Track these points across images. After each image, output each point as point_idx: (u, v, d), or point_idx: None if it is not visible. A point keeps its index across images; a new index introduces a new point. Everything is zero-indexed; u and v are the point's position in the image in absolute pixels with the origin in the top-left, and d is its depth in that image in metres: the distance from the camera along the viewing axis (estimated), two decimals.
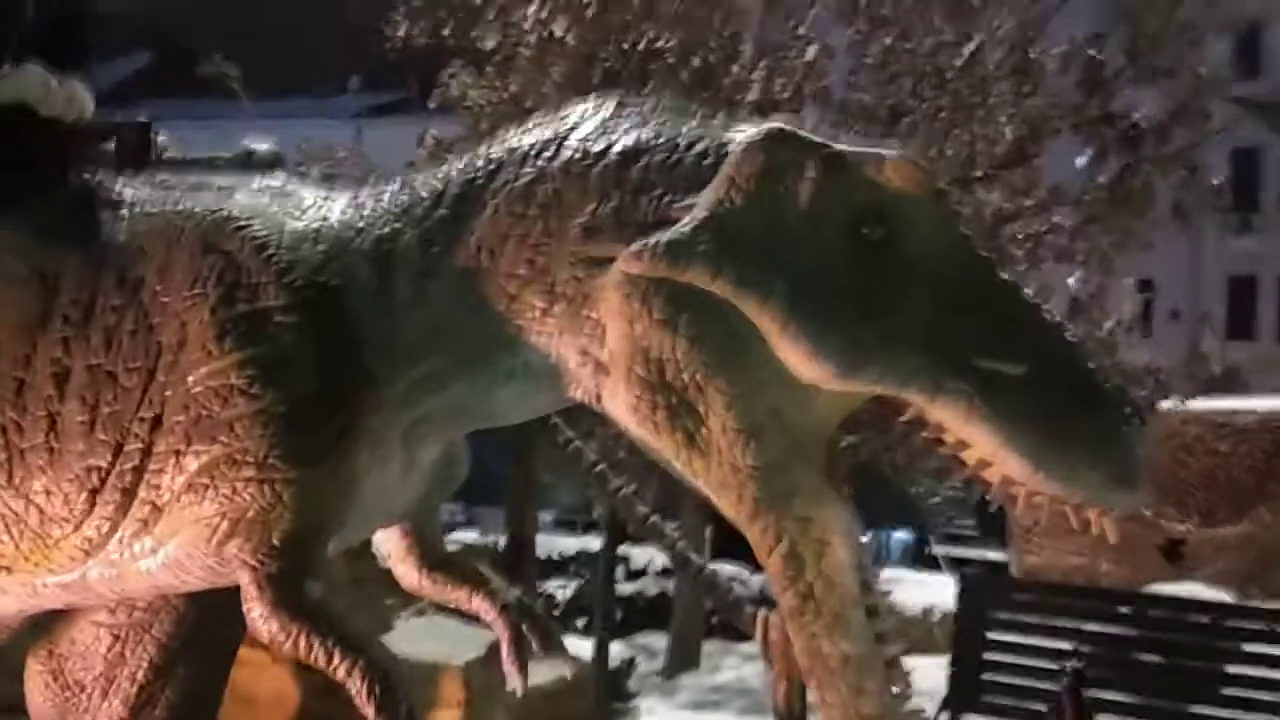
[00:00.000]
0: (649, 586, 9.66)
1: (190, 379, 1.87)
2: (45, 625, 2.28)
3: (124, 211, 2.05)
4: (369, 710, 1.78)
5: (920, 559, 11.62)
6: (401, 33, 6.69)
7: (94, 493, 1.90)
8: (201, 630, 2.34)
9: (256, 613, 1.83)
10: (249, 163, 3.51)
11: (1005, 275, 1.72)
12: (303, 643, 1.81)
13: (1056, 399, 1.58)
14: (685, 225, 1.72)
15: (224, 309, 1.88)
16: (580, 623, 8.28)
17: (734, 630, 8.68)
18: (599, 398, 1.83)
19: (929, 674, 7.11)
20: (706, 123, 1.88)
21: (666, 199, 1.77)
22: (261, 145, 3.94)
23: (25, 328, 1.95)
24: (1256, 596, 7.39)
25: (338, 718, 2.94)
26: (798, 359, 1.64)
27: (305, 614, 1.82)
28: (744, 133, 1.80)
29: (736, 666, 7.99)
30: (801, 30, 5.81)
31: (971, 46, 6.05)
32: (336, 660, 1.80)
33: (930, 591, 8.58)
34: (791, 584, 1.66)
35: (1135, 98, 6.66)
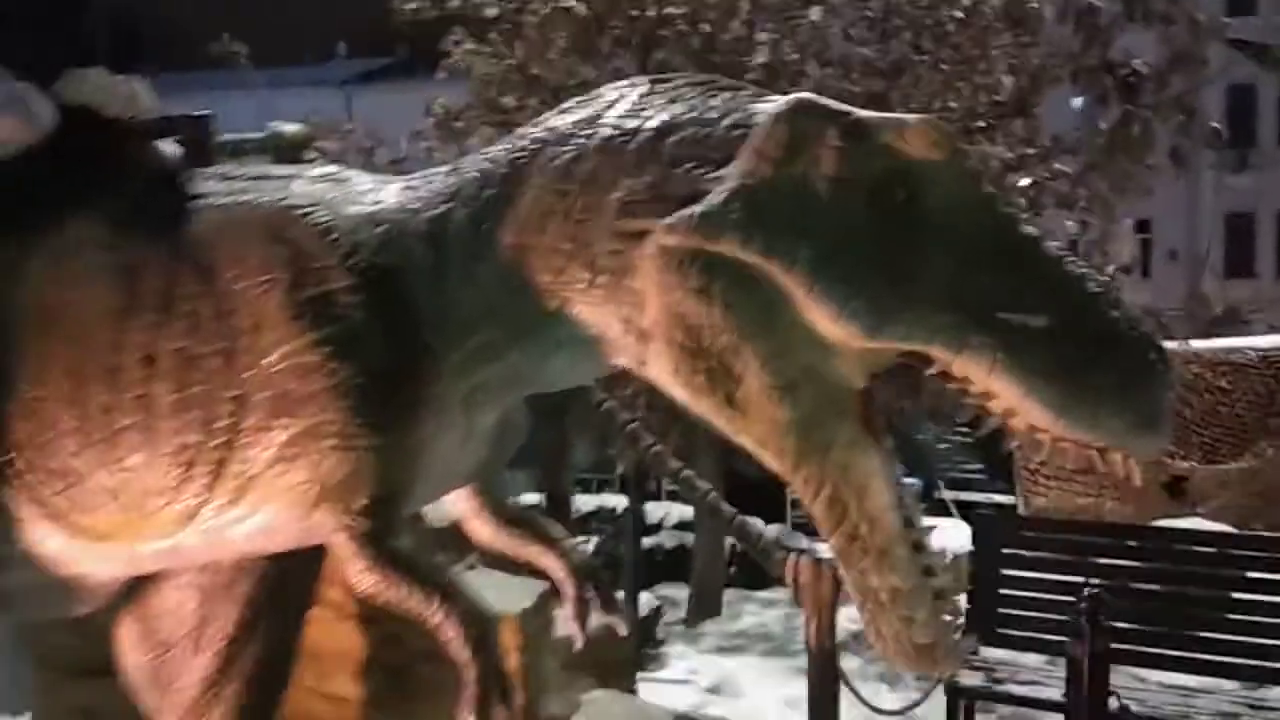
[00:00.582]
0: (665, 540, 9.88)
1: (269, 358, 2.01)
2: (134, 589, 2.45)
3: (194, 204, 2.19)
4: (463, 655, 1.95)
5: (929, 504, 11.82)
6: (411, 4, 6.73)
7: (188, 466, 2.05)
8: (281, 588, 2.52)
9: (354, 568, 1.99)
10: (279, 144, 3.64)
11: (1027, 230, 1.80)
12: (399, 593, 1.98)
13: (1079, 349, 1.66)
14: (717, 196, 1.83)
15: (295, 292, 2.03)
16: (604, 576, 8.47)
17: (752, 579, 8.91)
18: (643, 364, 1.96)
19: None
20: (736, 96, 1.98)
21: (699, 172, 1.87)
22: (289, 127, 4.05)
23: (114, 315, 2.09)
24: (1258, 530, 7.58)
25: (403, 670, 3.13)
26: (825, 320, 1.74)
27: (399, 567, 1.99)
28: (770, 105, 1.90)
29: (756, 613, 8.21)
30: None
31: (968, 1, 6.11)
32: (432, 608, 1.97)
33: (940, 536, 8.73)
34: (837, 526, 1.78)
35: (1133, 45, 6.71)
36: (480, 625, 1.97)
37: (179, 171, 2.28)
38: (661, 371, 1.90)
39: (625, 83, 2.10)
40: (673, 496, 9.93)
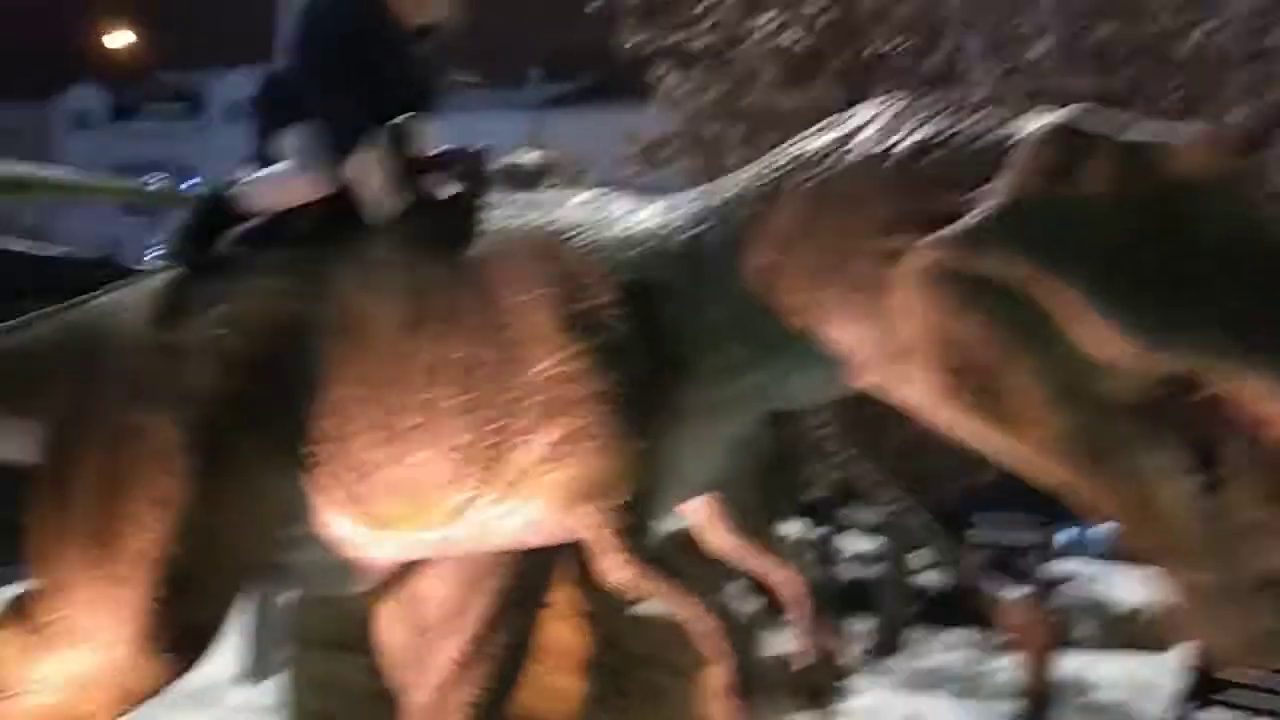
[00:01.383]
0: (842, 572, 9.76)
1: (540, 366, 2.20)
2: (398, 574, 2.69)
3: (473, 226, 2.42)
4: (713, 648, 2.07)
5: (1122, 553, 11.15)
6: (630, 41, 6.97)
7: (464, 465, 2.25)
8: (525, 585, 2.71)
9: (610, 562, 2.15)
10: (517, 173, 3.88)
11: None
12: (653, 587, 2.12)
13: None
14: (978, 216, 1.84)
15: (564, 307, 2.22)
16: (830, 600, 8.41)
17: (937, 616, 8.68)
18: (895, 383, 2.00)
19: (1142, 671, 6.94)
20: (989, 116, 1.99)
21: (957, 190, 1.90)
22: (528, 157, 4.32)
23: (405, 327, 2.33)
24: None
25: (623, 672, 3.28)
26: (1097, 342, 1.74)
27: (652, 563, 2.13)
28: (1031, 124, 1.90)
29: (942, 652, 8.00)
30: (1024, 28, 5.76)
31: (1201, 32, 5.83)
32: (684, 603, 2.10)
33: (1144, 588, 8.26)
34: (1137, 529, 1.75)
35: None
36: (730, 620, 2.08)
37: (461, 200, 2.52)
38: (917, 392, 1.93)
39: (877, 102, 2.14)
40: (842, 529, 9.76)
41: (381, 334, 2.33)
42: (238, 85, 34.51)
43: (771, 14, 6.03)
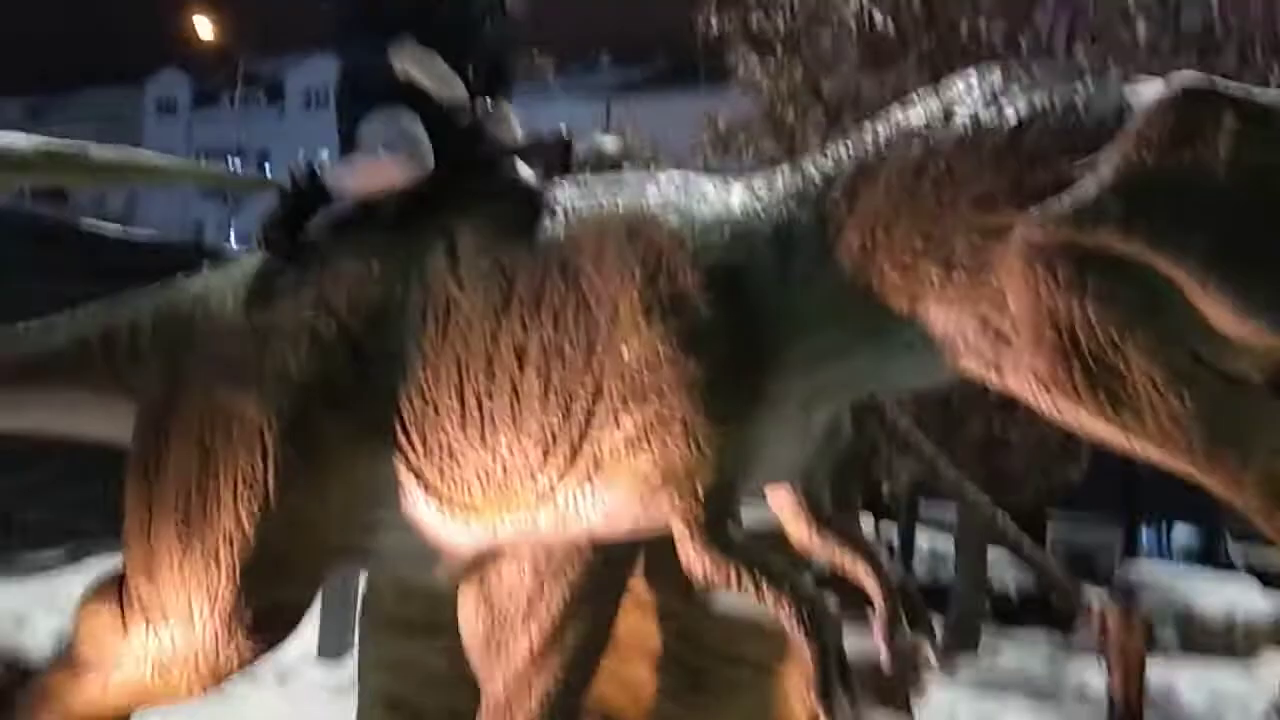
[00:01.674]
0: (918, 570, 9.60)
1: (624, 350, 2.16)
2: (479, 561, 2.69)
3: (558, 210, 2.38)
4: (799, 634, 2.01)
5: (1209, 557, 10.81)
6: (705, 25, 6.90)
7: (547, 449, 2.23)
8: (602, 577, 2.68)
9: (689, 551, 2.10)
10: (600, 159, 3.85)
11: None
12: (733, 576, 2.07)
13: None
14: (1089, 187, 1.75)
15: (649, 289, 2.16)
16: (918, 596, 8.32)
17: (1013, 616, 8.51)
18: (997, 368, 1.90)
19: (1225, 680, 6.71)
20: (1099, 83, 1.89)
21: (1065, 161, 1.80)
22: (609, 142, 4.29)
23: (493, 312, 2.31)
24: None
25: (700, 668, 3.24)
26: (1224, 315, 1.65)
27: (733, 552, 2.08)
28: (1151, 87, 1.80)
29: (1016, 653, 7.84)
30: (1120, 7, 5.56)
31: None
32: (766, 591, 2.04)
33: (1227, 595, 8.03)
34: (1270, 515, 1.65)
35: None
36: (814, 606, 2.02)
37: (546, 184, 2.50)
38: (1023, 376, 1.83)
39: (970, 74, 2.05)
40: (917, 526, 9.59)
41: (468, 319, 2.32)
42: (315, 71, 35.18)
43: None
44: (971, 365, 1.96)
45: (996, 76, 1.99)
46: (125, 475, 2.52)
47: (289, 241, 2.60)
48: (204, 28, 23.60)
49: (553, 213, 2.39)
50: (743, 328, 2.11)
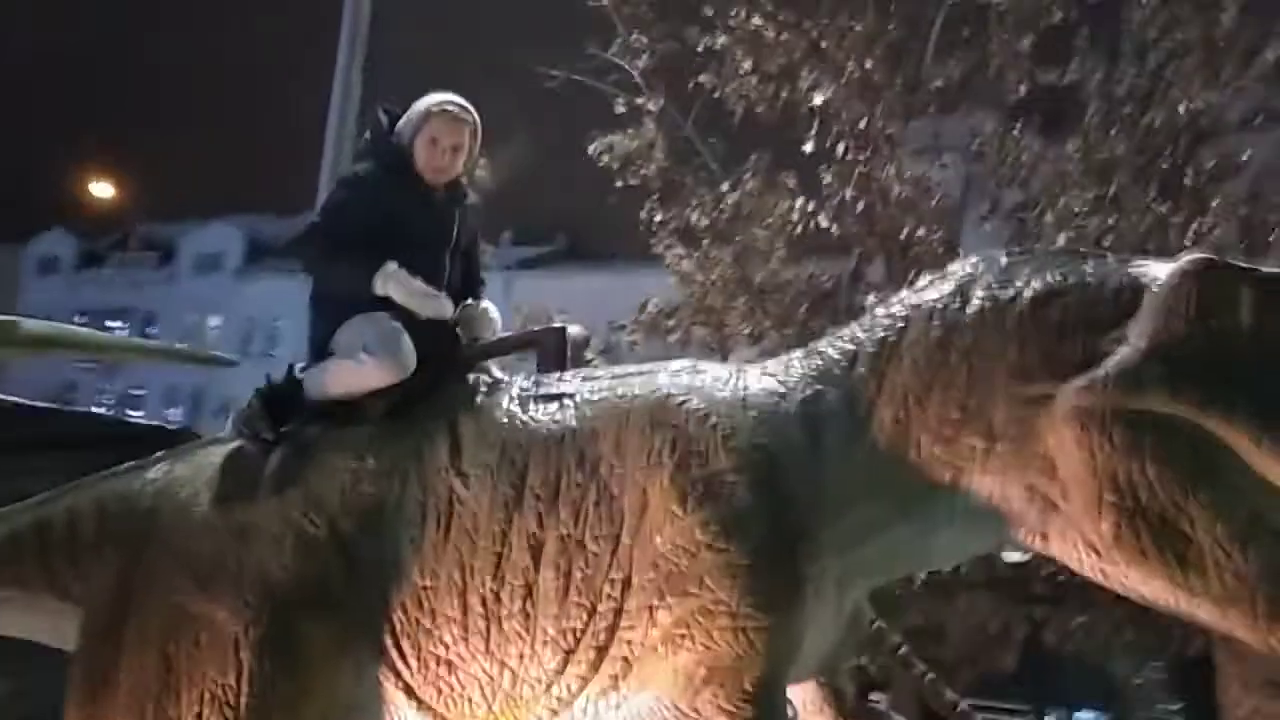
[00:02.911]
0: None
1: (656, 539, 2.07)
2: None
3: (568, 401, 2.30)
4: None
5: None
6: (657, 218, 7.06)
7: (568, 654, 2.09)
8: None
9: None
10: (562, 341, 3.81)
11: None
12: None
13: None
14: (1129, 355, 1.86)
15: (681, 474, 2.10)
16: None
17: None
18: (1043, 535, 1.94)
19: None
20: (1108, 263, 2.05)
21: (1092, 335, 1.92)
22: (573, 329, 4.29)
23: (501, 507, 2.20)
24: None
25: None
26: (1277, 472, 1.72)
27: None
28: (1157, 268, 1.96)
29: None
30: None
31: None
32: None
33: None
34: None
35: None
36: None
37: (549, 376, 2.45)
38: (1074, 540, 1.88)
39: (975, 258, 2.18)
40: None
41: (475, 516, 2.20)
42: (209, 237, 34.89)
43: (792, 200, 6.24)
44: (1018, 535, 2.00)
45: (1002, 259, 2.11)
46: (67, 687, 2.28)
47: (272, 433, 2.47)
48: (101, 189, 23.30)
49: (561, 404, 2.33)
50: (779, 510, 2.08)
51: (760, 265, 6.59)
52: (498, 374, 2.50)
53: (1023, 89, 6.67)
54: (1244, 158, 6.08)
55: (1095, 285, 1.98)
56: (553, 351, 2.59)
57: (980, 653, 6.38)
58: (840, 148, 6.09)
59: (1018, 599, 6.12)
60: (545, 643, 2.10)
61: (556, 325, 2.67)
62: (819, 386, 2.17)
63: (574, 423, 2.26)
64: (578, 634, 2.08)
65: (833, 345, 2.23)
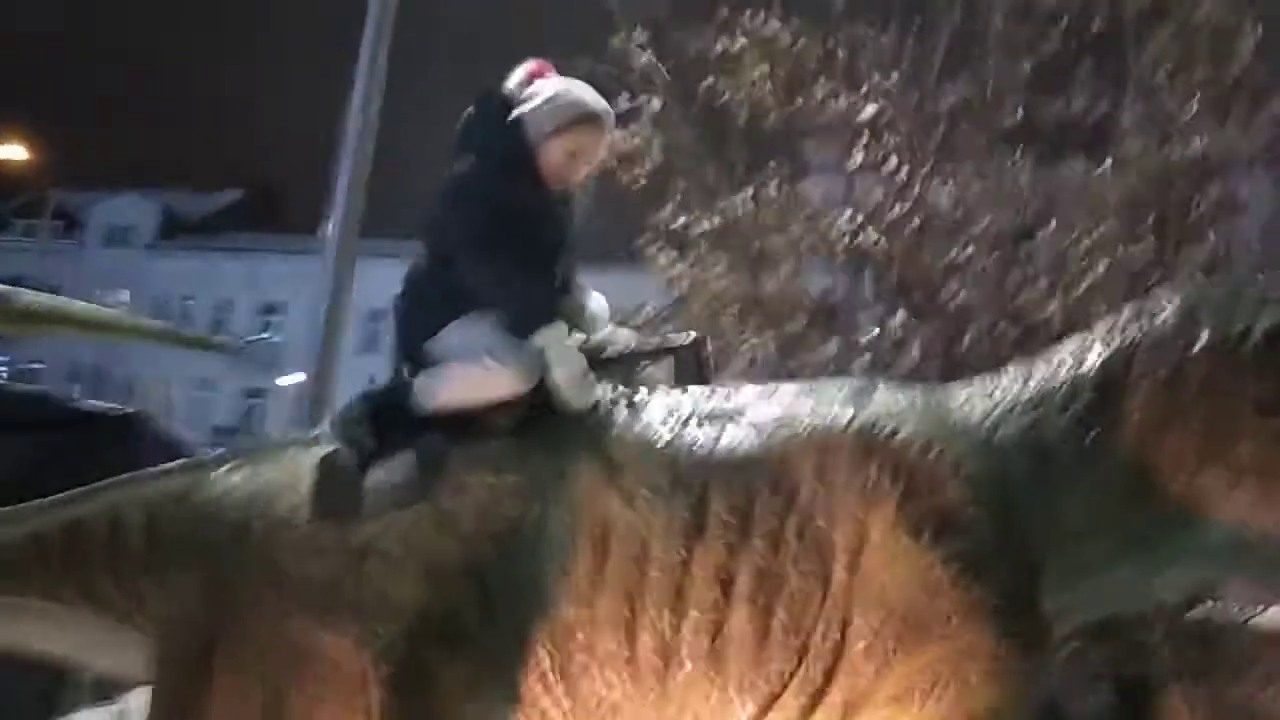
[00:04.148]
0: None
1: (883, 576, 1.88)
2: None
3: (741, 421, 2.07)
4: None
5: None
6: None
7: (772, 699, 1.89)
8: None
9: None
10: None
11: None
12: None
13: None
14: None
15: (910, 506, 1.91)
16: None
17: None
18: None
19: None
20: None
21: None
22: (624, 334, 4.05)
23: (679, 534, 1.96)
24: None
25: None
26: None
27: None
28: None
29: None
30: None
31: None
32: None
33: None
34: None
35: None
36: None
37: (695, 390, 2.22)
38: None
39: (1187, 289, 2.12)
40: None
41: (644, 543, 1.97)
42: (119, 209, 33.41)
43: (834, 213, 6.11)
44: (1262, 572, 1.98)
45: (1217, 292, 2.09)
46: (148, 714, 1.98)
47: (373, 442, 2.19)
48: (15, 152, 22.09)
49: (734, 423, 2.07)
50: (1017, 544, 1.94)
51: (771, 275, 6.43)
52: (623, 387, 2.27)
53: (1019, 114, 6.67)
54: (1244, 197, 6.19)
55: None
56: (692, 363, 2.37)
57: None
58: (892, 160, 5.96)
59: None
60: (739, 686, 1.89)
61: (692, 334, 2.44)
62: (1039, 413, 2.03)
63: (756, 446, 2.03)
64: (785, 678, 1.88)
65: (1049, 372, 2.08)
